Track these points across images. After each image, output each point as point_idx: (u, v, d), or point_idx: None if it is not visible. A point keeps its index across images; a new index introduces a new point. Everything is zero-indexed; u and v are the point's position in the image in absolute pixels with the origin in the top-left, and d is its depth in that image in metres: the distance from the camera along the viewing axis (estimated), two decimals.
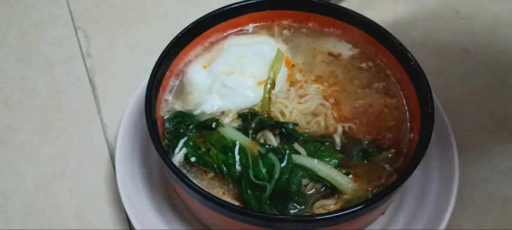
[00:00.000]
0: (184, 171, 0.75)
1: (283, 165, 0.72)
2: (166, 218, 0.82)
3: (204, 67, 0.86)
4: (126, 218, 0.87)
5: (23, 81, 1.09)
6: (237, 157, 0.74)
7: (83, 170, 0.93)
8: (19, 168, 0.94)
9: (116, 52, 1.14)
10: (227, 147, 0.75)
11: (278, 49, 0.88)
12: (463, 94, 1.05)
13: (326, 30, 0.92)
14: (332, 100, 0.83)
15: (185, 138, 0.77)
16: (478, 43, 1.15)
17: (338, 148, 0.77)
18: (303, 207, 0.71)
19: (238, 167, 0.73)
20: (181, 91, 0.85)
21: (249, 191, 0.71)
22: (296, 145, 0.76)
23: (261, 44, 0.89)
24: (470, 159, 0.93)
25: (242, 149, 0.74)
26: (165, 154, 0.70)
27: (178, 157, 0.76)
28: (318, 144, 0.77)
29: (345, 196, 0.72)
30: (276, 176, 0.70)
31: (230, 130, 0.77)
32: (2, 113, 1.03)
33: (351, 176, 0.73)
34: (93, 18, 1.22)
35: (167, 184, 0.86)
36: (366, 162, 0.75)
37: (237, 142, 0.75)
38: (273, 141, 0.77)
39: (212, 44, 0.91)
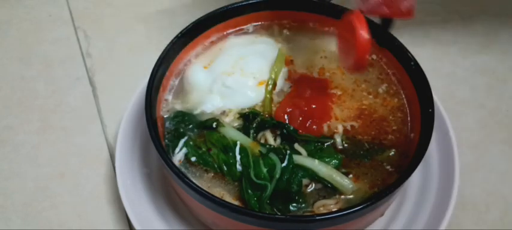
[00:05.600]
0: (185, 171, 0.75)
1: (284, 165, 0.72)
2: (166, 218, 0.82)
3: (205, 67, 0.86)
4: (126, 218, 0.87)
5: (23, 81, 1.09)
6: (238, 157, 0.74)
7: (83, 170, 0.93)
8: (19, 168, 0.94)
9: (116, 52, 1.14)
10: (228, 147, 0.75)
11: (279, 49, 0.88)
12: (463, 94, 1.05)
13: (326, 29, 0.92)
14: (334, 99, 0.83)
15: (185, 138, 0.78)
16: (478, 43, 1.15)
17: (339, 148, 0.77)
18: (303, 207, 0.71)
19: (239, 167, 0.74)
20: (181, 91, 0.85)
21: (249, 191, 0.71)
22: (297, 146, 0.76)
23: (261, 44, 0.89)
24: (470, 159, 0.93)
25: (243, 149, 0.75)
26: (165, 153, 0.70)
27: (178, 156, 0.76)
28: (318, 144, 0.77)
29: (346, 196, 0.72)
30: (277, 176, 0.70)
31: (231, 130, 0.77)
32: (2, 113, 1.03)
33: (351, 176, 0.74)
34: (93, 18, 1.22)
35: (167, 184, 0.86)
36: (366, 161, 0.75)
37: (238, 142, 0.75)
38: (272, 141, 0.77)
39: (212, 43, 0.91)
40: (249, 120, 0.79)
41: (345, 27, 0.75)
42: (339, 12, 0.88)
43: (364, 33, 0.69)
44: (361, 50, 0.69)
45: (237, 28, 0.92)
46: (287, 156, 0.72)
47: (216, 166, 0.75)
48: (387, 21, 0.75)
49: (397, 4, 0.70)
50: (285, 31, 0.93)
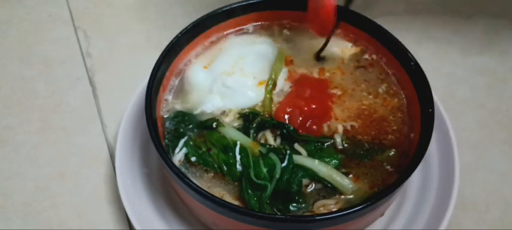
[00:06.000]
0: (185, 171, 0.75)
1: (284, 165, 0.72)
2: (166, 218, 0.82)
3: (205, 67, 0.86)
4: (126, 218, 0.87)
5: (23, 81, 1.09)
6: (238, 157, 0.74)
7: (83, 170, 0.93)
8: (19, 168, 0.94)
9: (116, 52, 1.14)
10: (228, 147, 0.75)
11: (279, 49, 0.88)
12: (463, 94, 1.05)
13: None
14: (334, 99, 0.83)
15: (185, 138, 0.77)
16: (478, 43, 1.15)
17: (339, 148, 0.77)
18: (303, 207, 0.71)
19: (239, 167, 0.74)
20: (181, 91, 0.85)
21: (249, 191, 0.71)
22: (296, 146, 0.76)
23: (261, 44, 0.89)
24: (470, 159, 0.93)
25: (243, 149, 0.75)
26: (165, 153, 0.70)
27: (178, 156, 0.76)
28: (318, 144, 0.77)
29: (346, 196, 0.72)
30: (277, 176, 0.70)
31: (231, 130, 0.77)
32: (2, 113, 1.03)
33: (351, 176, 0.74)
34: (93, 18, 1.22)
35: (167, 184, 0.86)
36: (366, 161, 0.75)
37: (238, 142, 0.75)
38: (272, 141, 0.77)
39: (212, 43, 0.91)
40: (249, 120, 0.79)
41: None
42: (338, 12, 0.88)
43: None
44: (326, 13, 0.77)
45: (237, 28, 0.92)
46: (287, 156, 0.72)
47: (216, 166, 0.75)
48: None
49: None
50: (285, 31, 0.93)
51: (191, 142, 0.77)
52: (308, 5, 0.84)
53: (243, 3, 0.90)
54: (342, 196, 0.72)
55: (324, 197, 0.72)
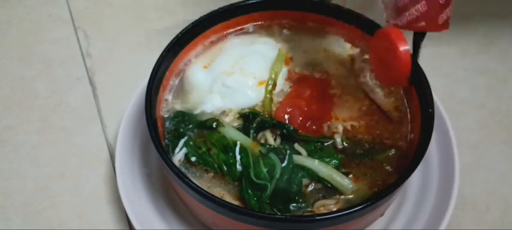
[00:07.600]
0: (185, 171, 0.75)
1: (284, 165, 0.72)
2: (166, 218, 0.82)
3: (205, 67, 0.86)
4: (126, 218, 0.87)
5: (23, 81, 1.09)
6: (238, 157, 0.74)
7: (83, 170, 0.93)
8: (19, 168, 0.94)
9: (116, 52, 1.14)
10: (228, 147, 0.75)
11: (279, 49, 0.88)
12: (463, 94, 1.05)
13: (326, 29, 0.92)
14: (334, 99, 0.83)
15: (185, 138, 0.78)
16: (478, 43, 1.15)
17: (339, 148, 0.77)
18: (303, 207, 0.71)
19: (239, 167, 0.74)
20: (181, 91, 0.85)
21: (249, 191, 0.71)
22: (296, 146, 0.76)
23: (261, 44, 0.89)
24: (470, 159, 0.93)
25: (243, 149, 0.75)
26: (165, 153, 0.70)
27: (178, 156, 0.76)
28: (318, 144, 0.77)
29: (346, 196, 0.72)
30: (277, 176, 0.70)
31: (231, 130, 0.77)
32: (2, 113, 1.03)
33: (351, 176, 0.74)
34: (93, 18, 1.22)
35: (167, 184, 0.86)
36: (366, 161, 0.75)
37: (238, 142, 0.75)
38: (272, 141, 0.77)
39: (212, 43, 0.91)
40: (249, 120, 0.79)
41: (380, 41, 0.73)
42: (338, 12, 0.88)
43: (404, 49, 0.68)
44: (404, 65, 0.69)
45: (237, 28, 0.92)
46: (287, 156, 0.72)
47: (216, 166, 0.75)
48: (420, 35, 0.71)
49: (434, 17, 0.68)
50: (285, 31, 0.93)
51: (191, 142, 0.77)
52: (372, 53, 0.76)
53: (243, 3, 0.90)
54: (342, 196, 0.72)
55: (324, 197, 0.72)
